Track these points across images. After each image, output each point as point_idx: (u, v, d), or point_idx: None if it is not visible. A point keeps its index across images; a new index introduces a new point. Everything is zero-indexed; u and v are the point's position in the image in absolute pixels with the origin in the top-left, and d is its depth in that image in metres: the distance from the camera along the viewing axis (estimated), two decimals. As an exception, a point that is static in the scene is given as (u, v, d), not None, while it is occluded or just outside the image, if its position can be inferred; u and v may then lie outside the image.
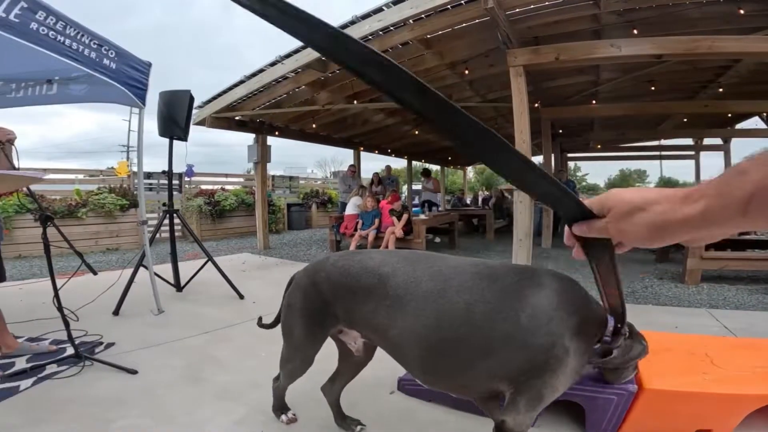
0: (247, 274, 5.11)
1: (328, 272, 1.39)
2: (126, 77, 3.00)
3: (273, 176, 11.56)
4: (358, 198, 6.83)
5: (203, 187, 10.12)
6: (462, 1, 3.85)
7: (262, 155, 7.38)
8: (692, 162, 12.97)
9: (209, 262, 4.05)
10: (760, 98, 7.47)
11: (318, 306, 1.41)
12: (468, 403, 1.84)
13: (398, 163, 15.36)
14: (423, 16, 4.11)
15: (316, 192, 12.68)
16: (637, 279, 4.59)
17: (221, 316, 3.31)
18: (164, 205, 4.04)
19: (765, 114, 8.26)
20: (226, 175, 10.91)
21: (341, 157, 36.95)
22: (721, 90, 6.96)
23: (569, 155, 13.68)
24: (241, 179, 11.63)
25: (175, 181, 9.57)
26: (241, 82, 5.98)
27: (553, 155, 9.48)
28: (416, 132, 9.60)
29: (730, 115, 8.94)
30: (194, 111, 6.83)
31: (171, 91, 3.80)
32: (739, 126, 9.73)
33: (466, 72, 5.61)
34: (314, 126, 8.08)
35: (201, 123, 6.81)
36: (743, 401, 1.47)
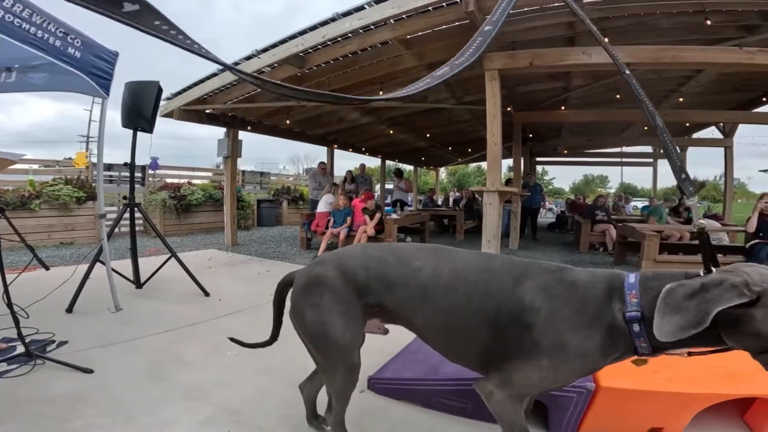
0: (213, 271, 4.93)
1: (363, 261, 1.33)
2: (90, 66, 2.90)
3: (243, 171, 11.25)
4: (331, 196, 6.74)
5: (169, 180, 9.70)
6: (443, 4, 3.87)
7: (233, 150, 7.16)
8: (650, 169, 13.71)
9: (172, 258, 3.88)
10: (717, 108, 7.99)
11: (353, 298, 1.30)
12: (438, 402, 1.84)
13: (372, 162, 15.31)
14: (404, 16, 4.10)
15: (287, 188, 12.44)
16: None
17: (185, 314, 3.18)
18: (125, 198, 3.83)
19: (721, 124, 8.79)
20: (193, 169, 10.50)
21: (315, 154, 36.64)
22: (681, 99, 7.37)
23: (538, 159, 14.12)
24: (210, 174, 11.24)
25: (138, 174, 9.36)
26: (215, 74, 5.79)
27: (522, 159, 9.76)
28: (391, 131, 9.61)
29: (688, 124, 9.48)
30: (162, 102, 6.58)
31: (138, 82, 3.66)
32: (695, 135, 10.34)
33: (443, 73, 5.64)
34: (288, 122, 7.91)
35: (169, 115, 6.55)
36: (692, 400, 1.53)
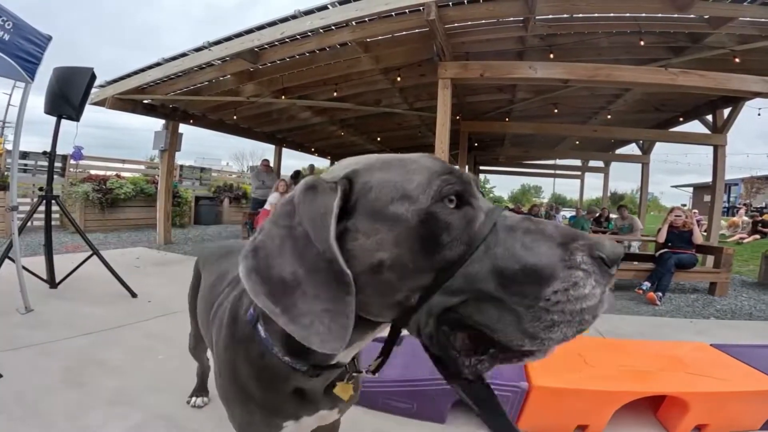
0: (141, 271, 4.58)
1: (209, 252, 1.42)
2: (17, 49, 2.74)
3: (181, 166, 10.58)
4: (277, 195, 6.52)
5: (94, 172, 8.85)
6: (406, 11, 3.92)
7: (171, 143, 6.72)
8: (578, 181, 14.92)
9: (94, 256, 3.56)
10: (639, 126, 8.87)
11: (197, 281, 1.40)
12: (383, 403, 1.84)
13: (321, 163, 15.11)
14: (366, 19, 4.10)
15: (229, 186, 11.88)
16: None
17: (108, 317, 2.93)
18: (41, 189, 3.45)
19: (641, 141, 9.78)
20: (123, 161, 9.66)
21: (261, 151, 35.35)
22: (609, 117, 8.09)
23: (481, 168, 14.79)
24: (142, 167, 10.40)
25: (58, 164, 8.44)
26: (158, 64, 5.42)
27: (467, 167, 10.16)
28: (342, 133, 9.55)
29: (613, 140, 10.43)
30: (94, 90, 6.04)
31: (69, 67, 3.42)
32: (618, 151, 11.41)
33: (398, 79, 5.73)
34: (235, 117, 7.57)
35: (100, 103, 6.04)
36: (612, 398, 1.65)
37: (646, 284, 4.47)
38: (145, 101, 6.37)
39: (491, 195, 45.09)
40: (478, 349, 0.51)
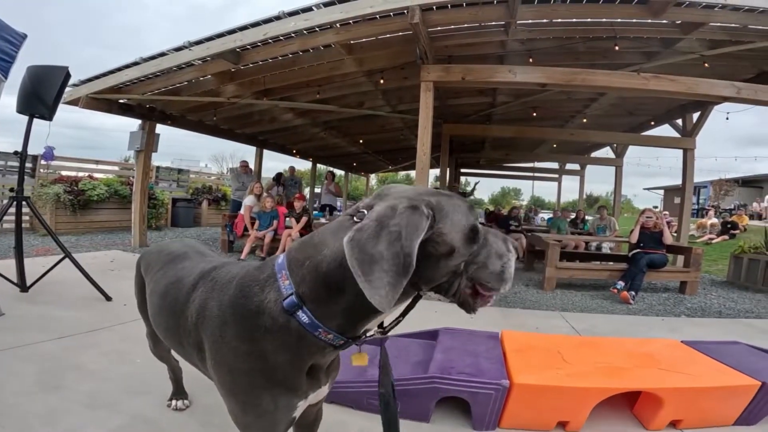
0: (116, 274, 4.46)
1: (152, 256, 1.43)
2: None
3: (158, 167, 10.32)
4: (253, 198, 6.38)
5: (66, 173, 8.55)
6: (390, 14, 3.95)
7: (148, 143, 6.54)
8: (556, 184, 15.27)
9: (66, 259, 3.45)
10: (613, 130, 9.16)
11: (141, 286, 1.48)
12: (368, 403, 1.85)
13: (303, 165, 15.00)
14: (351, 21, 4.11)
15: (208, 188, 11.66)
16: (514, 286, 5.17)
17: (83, 320, 2.86)
18: (11, 190, 3.34)
19: (615, 145, 10.10)
20: (97, 162, 9.35)
21: (241, 153, 34.77)
22: (585, 120, 8.33)
23: (462, 170, 14.97)
24: (116, 168, 10.09)
25: (29, 165, 8.11)
26: (135, 63, 5.27)
27: (448, 169, 10.27)
28: (324, 135, 9.52)
29: (589, 144, 10.74)
30: (67, 89, 5.84)
31: (42, 66, 3.33)
32: (594, 154, 11.75)
33: (382, 81, 5.75)
34: (215, 118, 7.44)
35: (74, 103, 5.84)
36: (590, 394, 1.71)
37: (620, 284, 4.62)
38: (121, 101, 6.20)
39: (473, 197, 45.58)
40: (475, 294, 0.83)
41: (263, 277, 0.85)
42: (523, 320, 3.59)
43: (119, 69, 5.44)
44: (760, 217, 14.20)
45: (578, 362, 1.88)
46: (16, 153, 3.33)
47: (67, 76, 3.43)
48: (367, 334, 0.87)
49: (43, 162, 8.35)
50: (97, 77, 5.64)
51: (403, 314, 0.90)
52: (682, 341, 2.22)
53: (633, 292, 4.49)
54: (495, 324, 3.38)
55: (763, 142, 68.12)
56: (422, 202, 0.74)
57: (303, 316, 0.78)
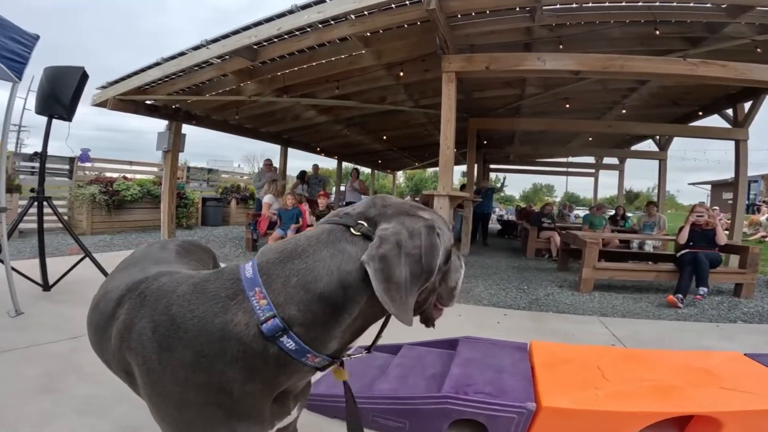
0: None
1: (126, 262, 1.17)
2: (2, 49, 2.67)
3: (188, 167, 10.57)
4: (270, 197, 6.30)
5: (109, 174, 8.91)
6: (406, 2, 3.76)
7: (175, 144, 6.65)
8: (592, 179, 14.52)
9: (88, 259, 3.49)
10: (655, 121, 8.52)
11: None
12: (374, 421, 1.67)
13: (329, 163, 15.04)
14: (365, 12, 3.96)
15: (237, 187, 11.83)
16: (541, 287, 4.83)
17: None
18: (32, 191, 3.40)
19: (658, 137, 9.41)
20: (131, 163, 9.67)
21: (271, 152, 35.51)
22: (624, 111, 7.78)
23: (491, 166, 14.50)
24: (154, 168, 10.37)
25: (66, 167, 8.49)
26: (157, 64, 5.36)
27: (476, 165, 9.93)
28: (347, 132, 9.41)
29: (628, 136, 10.07)
30: (96, 91, 6.10)
31: (59, 67, 3.39)
32: (634, 147, 11.03)
33: (401, 74, 5.55)
34: (237, 117, 7.48)
35: (102, 104, 6.01)
36: (631, 419, 1.46)
37: (703, 290, 4.21)
38: (147, 102, 6.32)
39: (502, 194, 44.52)
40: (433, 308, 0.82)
41: (225, 293, 0.70)
42: (557, 326, 3.30)
43: (142, 70, 5.54)
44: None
45: (620, 380, 1.62)
46: (36, 154, 3.39)
47: (84, 76, 3.46)
48: (349, 352, 0.79)
49: (80, 164, 8.76)
50: (122, 79, 5.79)
51: (382, 328, 0.83)
52: (745, 354, 1.90)
53: (681, 295, 4.09)
54: (524, 330, 3.13)
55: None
56: (433, 221, 0.74)
57: (288, 342, 0.67)
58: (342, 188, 12.73)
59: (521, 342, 2.05)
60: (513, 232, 12.06)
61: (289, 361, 0.68)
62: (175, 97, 6.08)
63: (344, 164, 14.03)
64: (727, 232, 6.20)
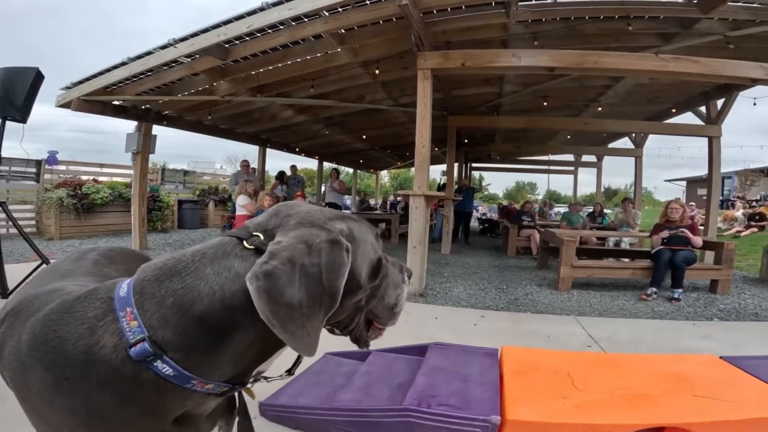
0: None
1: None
2: None
3: (164, 169, 10.26)
4: (244, 197, 6.07)
5: (84, 177, 8.58)
6: None
7: (144, 145, 6.39)
8: (572, 177, 14.68)
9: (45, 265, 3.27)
10: (631, 118, 8.62)
11: None
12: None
13: (310, 164, 14.82)
14: (339, 8, 3.84)
15: (214, 188, 11.56)
16: (520, 286, 4.79)
17: None
18: None
19: (633, 135, 9.53)
20: (101, 165, 9.33)
21: (253, 153, 34.88)
22: (600, 109, 7.83)
23: (473, 165, 14.51)
24: (127, 170, 10.03)
25: (33, 170, 8.13)
26: (123, 63, 5.12)
27: (457, 164, 9.90)
28: (327, 132, 9.26)
29: (605, 134, 10.18)
30: (61, 92, 5.81)
31: (11, 68, 3.31)
32: (611, 145, 11.17)
33: (377, 72, 5.45)
34: (210, 117, 7.25)
35: (66, 105, 5.75)
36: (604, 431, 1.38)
37: (652, 289, 4.27)
38: (115, 102, 6.07)
39: (486, 192, 44.83)
40: (368, 326, 0.78)
41: (93, 314, 0.62)
42: (534, 327, 3.25)
43: (108, 70, 5.30)
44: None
45: (592, 388, 1.54)
46: (-14, 157, 3.18)
47: (39, 76, 3.34)
48: (264, 377, 0.73)
49: (47, 166, 8.41)
50: (87, 79, 5.55)
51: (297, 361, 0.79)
52: (721, 357, 1.85)
53: (654, 289, 4.20)
54: (501, 333, 3.06)
55: (792, 129, 65.05)
56: (338, 233, 0.65)
57: (164, 368, 0.59)
58: (323, 188, 12.58)
59: (492, 348, 1.96)
60: (495, 230, 12.11)
61: (172, 386, 0.61)
62: (144, 97, 5.85)
63: (326, 164, 13.86)
64: (702, 228, 6.29)
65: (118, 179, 9.22)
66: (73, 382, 0.59)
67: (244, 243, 0.63)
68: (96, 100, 5.79)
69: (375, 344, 2.26)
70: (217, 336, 0.60)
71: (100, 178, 8.86)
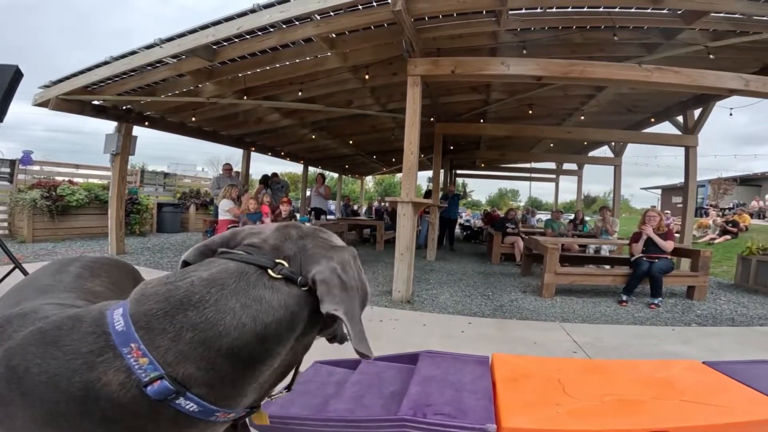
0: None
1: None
2: None
3: (143, 171, 10.00)
4: (228, 202, 5.97)
5: (59, 178, 8.27)
6: (373, 3, 3.67)
7: (124, 146, 6.23)
8: (553, 185, 14.98)
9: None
10: (611, 128, 8.86)
11: None
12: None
13: (295, 168, 14.69)
14: (331, 12, 3.84)
15: (196, 192, 11.33)
16: (505, 293, 4.84)
17: None
18: None
19: (613, 144, 9.79)
20: (77, 166, 9.03)
21: (238, 156, 34.31)
22: (582, 118, 8.02)
23: (458, 172, 14.66)
24: (105, 172, 9.72)
25: (6, 170, 7.80)
26: (105, 63, 5.00)
27: (443, 171, 9.97)
28: (313, 136, 9.21)
29: (586, 143, 10.43)
30: (39, 90, 5.62)
31: None
32: (591, 153, 11.44)
33: (367, 77, 5.45)
34: (194, 119, 7.12)
35: (44, 105, 5.56)
36: None
37: (658, 299, 4.37)
38: (95, 102, 5.90)
39: (469, 199, 45.33)
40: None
41: (88, 349, 0.55)
42: (520, 333, 3.28)
43: (89, 69, 5.16)
44: (759, 216, 13.92)
45: (582, 394, 1.55)
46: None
47: (17, 74, 3.18)
48: (273, 395, 0.73)
49: (21, 166, 8.10)
50: (67, 78, 5.39)
51: (299, 365, 0.77)
52: (704, 362, 1.90)
53: (625, 296, 4.40)
54: (488, 339, 3.07)
55: (760, 140, 68.23)
56: (347, 246, 0.75)
57: (188, 405, 0.56)
58: (308, 193, 12.48)
59: (483, 355, 1.96)
60: (479, 237, 12.24)
61: (194, 420, 0.58)
62: (126, 97, 5.71)
63: (311, 169, 13.77)
64: (678, 235, 6.49)
65: (95, 181, 8.95)
66: (72, 418, 0.54)
67: (269, 272, 0.63)
68: (75, 100, 5.62)
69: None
70: (247, 367, 0.59)
71: (76, 180, 8.59)
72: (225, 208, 5.79)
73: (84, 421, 0.54)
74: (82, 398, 0.54)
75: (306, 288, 0.64)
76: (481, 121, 8.13)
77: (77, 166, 8.99)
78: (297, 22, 4.06)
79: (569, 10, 4.25)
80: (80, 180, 8.68)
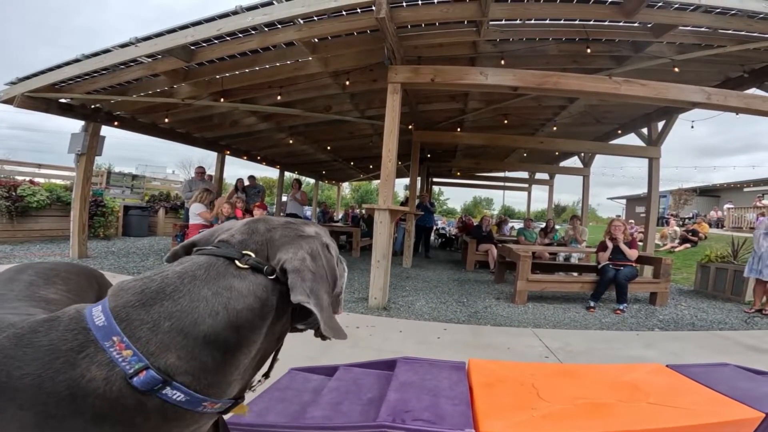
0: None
1: None
2: None
3: (109, 172, 9.62)
4: (199, 206, 5.79)
5: (20, 178, 7.83)
6: (357, 9, 3.69)
7: (91, 146, 5.99)
8: (526, 194, 15.41)
9: None
10: (581, 138, 9.21)
11: None
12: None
13: (271, 173, 14.49)
14: (314, 17, 3.85)
15: (166, 195, 10.98)
16: (480, 299, 4.92)
17: None
18: None
19: (582, 154, 10.17)
20: (39, 166, 8.60)
21: (210, 159, 33.48)
22: (555, 129, 8.32)
23: (435, 180, 14.84)
24: (68, 172, 9.29)
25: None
26: (76, 60, 4.82)
27: (420, 178, 10.08)
28: (291, 141, 9.12)
29: (557, 153, 10.79)
30: (4, 87, 5.36)
31: None
32: (562, 164, 11.85)
33: (348, 83, 5.47)
34: (167, 120, 6.93)
35: (8, 102, 5.33)
36: None
37: (624, 305, 4.55)
38: (62, 100, 5.65)
39: (444, 207, 45.92)
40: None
41: (67, 346, 0.55)
42: (494, 339, 3.33)
43: (58, 66, 4.97)
44: (717, 225, 14.77)
45: (555, 398, 1.59)
46: None
47: None
48: (252, 386, 0.76)
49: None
50: (34, 75, 5.17)
51: (276, 352, 0.78)
52: (667, 365, 1.99)
53: (592, 302, 4.57)
54: (464, 345, 3.11)
55: (719, 152, 72.67)
56: (321, 235, 0.77)
57: (175, 394, 0.57)
58: (284, 199, 12.32)
59: (459, 361, 1.98)
60: (453, 244, 12.42)
61: (181, 412, 0.59)
62: (95, 96, 5.50)
63: (287, 174, 13.61)
64: (641, 244, 6.80)
65: (57, 181, 8.55)
66: (63, 419, 0.54)
67: (237, 263, 0.65)
68: (41, 97, 5.38)
69: (342, 359, 2.22)
70: (224, 355, 0.60)
71: (37, 180, 8.18)
72: (196, 212, 5.60)
73: (76, 420, 0.54)
74: (69, 397, 0.53)
75: (273, 277, 0.66)
76: (459, 129, 8.29)
77: (39, 166, 8.57)
78: (280, 26, 4.05)
79: (547, 22, 4.41)
80: (42, 180, 8.26)
